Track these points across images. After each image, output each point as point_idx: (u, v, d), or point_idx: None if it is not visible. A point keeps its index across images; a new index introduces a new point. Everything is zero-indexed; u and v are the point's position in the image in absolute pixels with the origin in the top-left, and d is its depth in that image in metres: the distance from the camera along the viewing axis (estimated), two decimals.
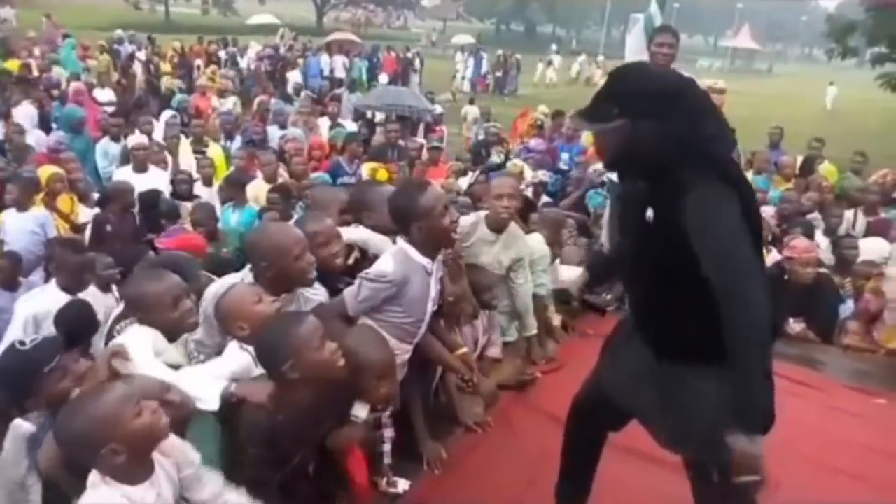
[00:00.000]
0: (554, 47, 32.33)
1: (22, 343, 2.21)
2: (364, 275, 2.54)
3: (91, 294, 3.49)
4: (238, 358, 2.24)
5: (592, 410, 2.34)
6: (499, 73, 24.66)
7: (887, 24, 13.03)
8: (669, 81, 1.97)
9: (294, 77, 15.43)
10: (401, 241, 2.60)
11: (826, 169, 7.86)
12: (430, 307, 2.67)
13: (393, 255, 2.55)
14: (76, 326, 3.01)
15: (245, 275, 2.57)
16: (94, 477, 1.71)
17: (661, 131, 1.86)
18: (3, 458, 2.11)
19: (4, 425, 2.16)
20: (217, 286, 2.57)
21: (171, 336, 2.40)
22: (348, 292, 2.56)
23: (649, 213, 1.93)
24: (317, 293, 2.63)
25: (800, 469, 3.10)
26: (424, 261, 2.57)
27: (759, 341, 1.77)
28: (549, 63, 28.27)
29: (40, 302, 3.58)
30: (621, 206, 2.17)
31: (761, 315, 1.74)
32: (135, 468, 1.74)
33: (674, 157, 1.86)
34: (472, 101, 14.41)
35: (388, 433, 2.70)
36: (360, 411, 2.38)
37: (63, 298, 3.48)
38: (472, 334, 3.53)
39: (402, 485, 2.73)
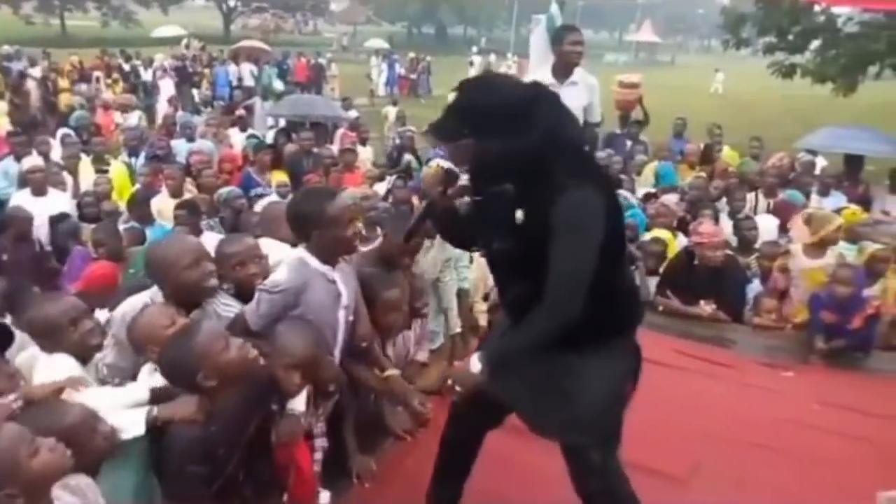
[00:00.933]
0: (475, 48, 32.92)
1: None
2: (260, 288, 2.48)
3: None
4: (152, 382, 2.20)
5: (469, 408, 2.34)
6: (412, 76, 24.71)
7: (774, 16, 13.74)
8: (515, 96, 1.94)
9: (166, 87, 14.55)
10: (299, 248, 2.54)
11: (728, 155, 8.24)
12: (343, 315, 2.61)
13: (287, 264, 2.50)
14: None
15: (154, 293, 2.52)
16: None
17: (509, 146, 1.88)
18: None
19: None
20: (125, 307, 2.51)
21: (82, 359, 2.38)
22: (248, 308, 2.50)
23: (519, 214, 1.95)
24: (229, 307, 2.56)
25: (718, 446, 3.23)
26: (324, 268, 2.51)
27: (541, 340, 1.99)
28: (471, 63, 28.86)
29: None
30: (485, 210, 2.12)
31: (558, 327, 1.94)
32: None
33: (538, 162, 1.89)
34: (395, 103, 14.41)
35: (321, 442, 2.65)
36: (298, 404, 2.35)
37: None
38: (405, 345, 3.50)
39: (324, 497, 2.66)
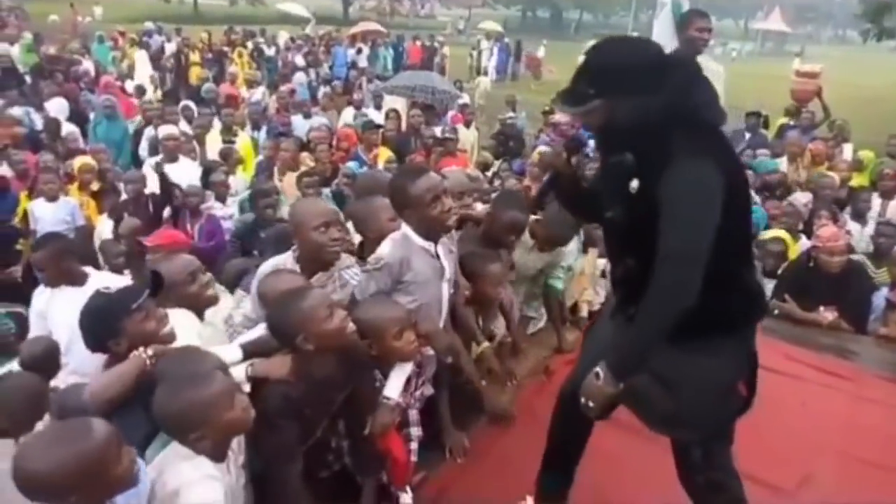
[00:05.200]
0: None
1: (107, 288, 2.30)
2: (364, 268, 2.58)
3: (108, 279, 3.46)
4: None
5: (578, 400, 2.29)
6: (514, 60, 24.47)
7: None
8: (649, 56, 1.86)
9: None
10: (404, 224, 2.58)
11: (865, 155, 7.67)
12: (446, 288, 2.66)
13: (391, 239, 2.55)
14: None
15: (288, 256, 2.66)
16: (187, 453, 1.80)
17: (640, 107, 1.80)
18: None
19: None
20: (266, 264, 2.70)
21: (199, 313, 2.57)
22: (358, 289, 2.58)
23: (634, 183, 1.87)
24: (356, 276, 2.68)
25: (829, 460, 3.06)
26: (425, 244, 2.54)
27: (658, 330, 1.83)
28: None
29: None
30: (605, 179, 2.07)
31: (673, 312, 1.77)
32: (216, 451, 1.85)
33: (659, 129, 1.81)
34: (484, 73, 14.36)
35: (416, 431, 2.69)
36: (392, 392, 2.41)
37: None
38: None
39: (406, 499, 2.64)
